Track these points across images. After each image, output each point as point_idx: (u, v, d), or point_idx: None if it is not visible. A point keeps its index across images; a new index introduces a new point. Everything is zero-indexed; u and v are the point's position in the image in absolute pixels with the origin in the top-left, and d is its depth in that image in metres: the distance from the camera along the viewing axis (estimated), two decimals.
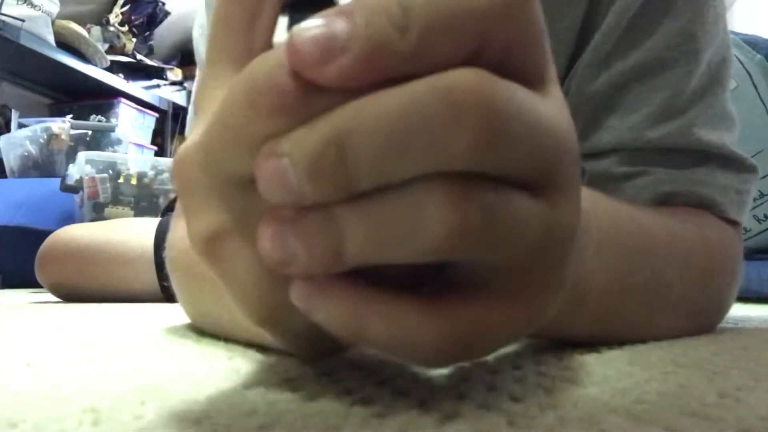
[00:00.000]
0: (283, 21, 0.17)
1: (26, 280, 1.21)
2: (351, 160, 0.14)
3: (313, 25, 0.14)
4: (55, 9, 1.84)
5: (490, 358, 0.27)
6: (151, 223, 0.83)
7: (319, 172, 0.14)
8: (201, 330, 0.39)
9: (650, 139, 0.40)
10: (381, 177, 0.14)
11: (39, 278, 0.79)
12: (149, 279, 0.76)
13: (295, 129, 0.14)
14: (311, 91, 0.14)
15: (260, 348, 0.30)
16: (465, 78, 0.14)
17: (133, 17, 2.26)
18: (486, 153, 0.14)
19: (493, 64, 0.14)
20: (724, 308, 0.41)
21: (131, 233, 0.81)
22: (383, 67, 0.14)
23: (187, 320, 0.46)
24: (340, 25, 0.14)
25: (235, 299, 0.18)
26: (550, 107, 0.15)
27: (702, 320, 0.39)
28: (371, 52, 0.14)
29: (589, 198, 0.28)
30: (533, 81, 0.16)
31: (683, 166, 0.40)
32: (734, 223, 0.41)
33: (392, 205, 0.14)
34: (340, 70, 0.14)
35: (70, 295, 0.79)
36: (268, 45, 0.17)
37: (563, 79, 0.43)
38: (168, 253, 0.38)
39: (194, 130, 0.18)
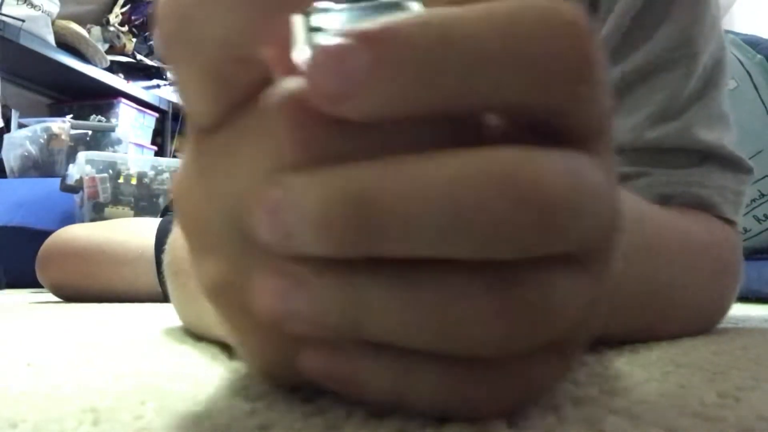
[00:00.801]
0: (299, 25, 0.14)
1: (26, 280, 1.21)
2: (374, 226, 0.12)
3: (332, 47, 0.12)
4: (55, 9, 1.84)
5: None
6: (152, 223, 0.83)
7: (327, 225, 0.12)
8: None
9: (649, 140, 0.40)
10: (408, 252, 0.12)
11: (40, 278, 0.79)
12: (149, 279, 0.76)
13: (310, 167, 0.12)
14: (330, 126, 0.12)
15: None
16: (523, 166, 0.12)
17: (133, 17, 2.26)
18: (541, 245, 0.12)
19: (548, 118, 0.13)
20: (726, 309, 0.41)
21: (131, 233, 0.81)
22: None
23: None
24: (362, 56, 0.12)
25: (238, 347, 0.17)
26: (603, 173, 0.14)
27: (705, 321, 0.39)
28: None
29: None
30: (589, 138, 0.14)
31: (681, 166, 0.40)
32: (732, 223, 0.41)
33: (424, 287, 0.12)
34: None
35: (71, 295, 0.79)
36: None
37: None
38: (165, 256, 0.38)
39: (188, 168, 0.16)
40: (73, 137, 1.61)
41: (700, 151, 0.40)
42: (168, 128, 2.54)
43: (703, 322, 0.38)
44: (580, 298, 0.14)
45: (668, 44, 0.41)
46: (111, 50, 2.18)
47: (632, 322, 0.32)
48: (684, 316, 0.36)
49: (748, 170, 0.43)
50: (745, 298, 0.90)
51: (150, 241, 0.78)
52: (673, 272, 0.34)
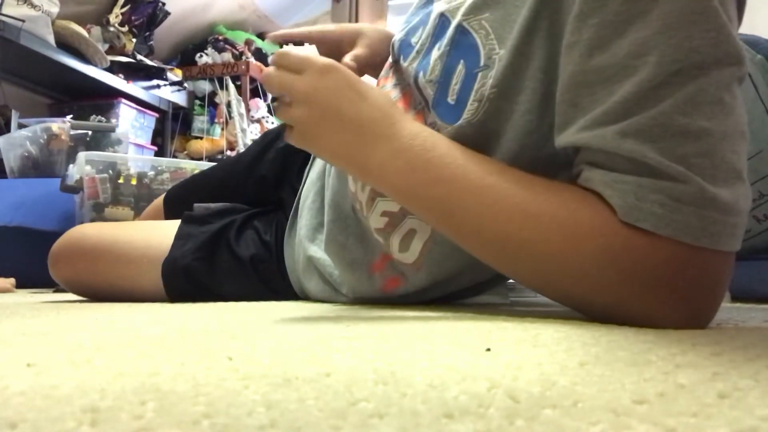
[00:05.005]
0: None
1: (26, 280, 1.21)
2: None
3: None
4: (55, 9, 1.84)
5: (488, 356, 0.27)
6: (161, 225, 0.84)
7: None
8: (203, 329, 0.39)
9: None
10: None
11: (52, 274, 0.80)
12: (153, 278, 0.76)
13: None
14: None
15: (259, 348, 0.30)
16: None
17: (133, 17, 2.26)
18: None
19: None
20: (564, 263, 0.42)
21: (138, 232, 0.82)
22: None
23: (188, 320, 0.46)
24: None
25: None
26: None
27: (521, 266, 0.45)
28: None
29: (425, 131, 0.49)
30: None
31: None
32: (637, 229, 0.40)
33: None
34: None
35: (83, 291, 0.80)
36: None
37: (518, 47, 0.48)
38: None
39: None
40: (73, 137, 1.62)
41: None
42: (168, 128, 2.54)
43: (509, 262, 0.46)
44: None
45: (633, 50, 0.41)
46: (111, 50, 2.18)
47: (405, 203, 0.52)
48: (475, 240, 0.47)
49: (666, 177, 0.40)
50: (744, 298, 0.90)
51: (155, 240, 0.78)
52: (453, 195, 0.46)
